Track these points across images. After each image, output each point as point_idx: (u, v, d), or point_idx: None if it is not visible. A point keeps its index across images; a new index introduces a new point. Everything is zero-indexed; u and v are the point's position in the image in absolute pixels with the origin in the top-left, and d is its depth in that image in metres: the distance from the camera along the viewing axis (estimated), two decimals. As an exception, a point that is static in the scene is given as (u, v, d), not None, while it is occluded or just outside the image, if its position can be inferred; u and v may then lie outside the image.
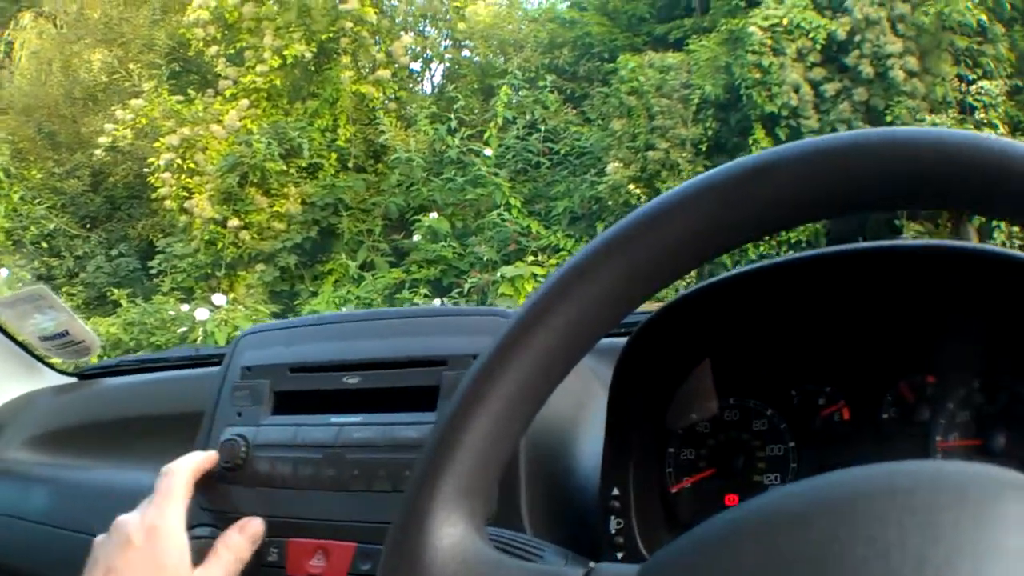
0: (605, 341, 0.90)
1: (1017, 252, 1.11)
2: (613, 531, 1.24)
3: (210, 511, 1.46)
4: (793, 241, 10.88)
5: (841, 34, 11.95)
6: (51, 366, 2.30)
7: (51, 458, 2.05)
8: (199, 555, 1.35)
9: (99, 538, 1.28)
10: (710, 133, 12.35)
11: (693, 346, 1.28)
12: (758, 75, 12.01)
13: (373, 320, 1.62)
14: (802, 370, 1.26)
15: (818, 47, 12.10)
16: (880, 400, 1.21)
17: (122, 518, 1.27)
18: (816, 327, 1.26)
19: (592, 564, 0.73)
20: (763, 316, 1.28)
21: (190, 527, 1.41)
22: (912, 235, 10.99)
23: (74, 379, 2.30)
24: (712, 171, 0.70)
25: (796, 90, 12.00)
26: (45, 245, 15.06)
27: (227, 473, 1.46)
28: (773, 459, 1.25)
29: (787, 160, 0.67)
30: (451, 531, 0.70)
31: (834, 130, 11.37)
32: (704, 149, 12.30)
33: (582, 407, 1.42)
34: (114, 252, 15.05)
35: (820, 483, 0.59)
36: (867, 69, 11.81)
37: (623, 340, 1.26)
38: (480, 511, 0.72)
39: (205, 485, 1.46)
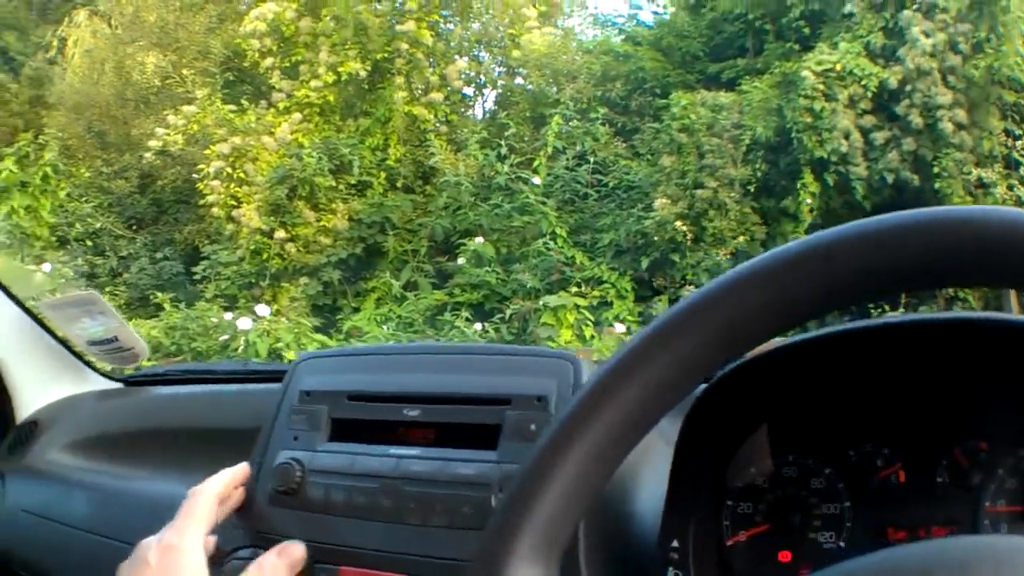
0: None
1: None
2: None
3: (261, 533, 1.47)
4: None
5: (893, 83, 11.94)
6: (97, 370, 2.31)
7: (92, 463, 2.05)
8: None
9: (123, 563, 1.26)
10: (759, 174, 12.29)
11: (756, 406, 1.32)
12: (809, 119, 11.98)
13: (436, 354, 1.62)
14: (861, 431, 1.28)
15: (869, 95, 12.07)
16: (935, 464, 1.24)
17: (144, 540, 1.26)
18: (876, 391, 1.29)
19: None
20: (825, 379, 1.31)
21: (236, 549, 1.45)
22: (960, 306, 10.99)
23: (119, 384, 2.31)
24: (800, 241, 0.73)
25: (847, 136, 11.97)
26: (90, 243, 15.09)
27: (280, 497, 1.47)
28: (829, 517, 1.26)
29: (872, 233, 0.70)
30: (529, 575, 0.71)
31: (882, 178, 11.55)
32: (752, 190, 12.27)
33: (646, 455, 1.43)
34: (158, 255, 15.07)
35: (934, 547, 0.60)
36: (917, 119, 11.80)
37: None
38: (557, 560, 0.74)
39: (255, 508, 1.49)
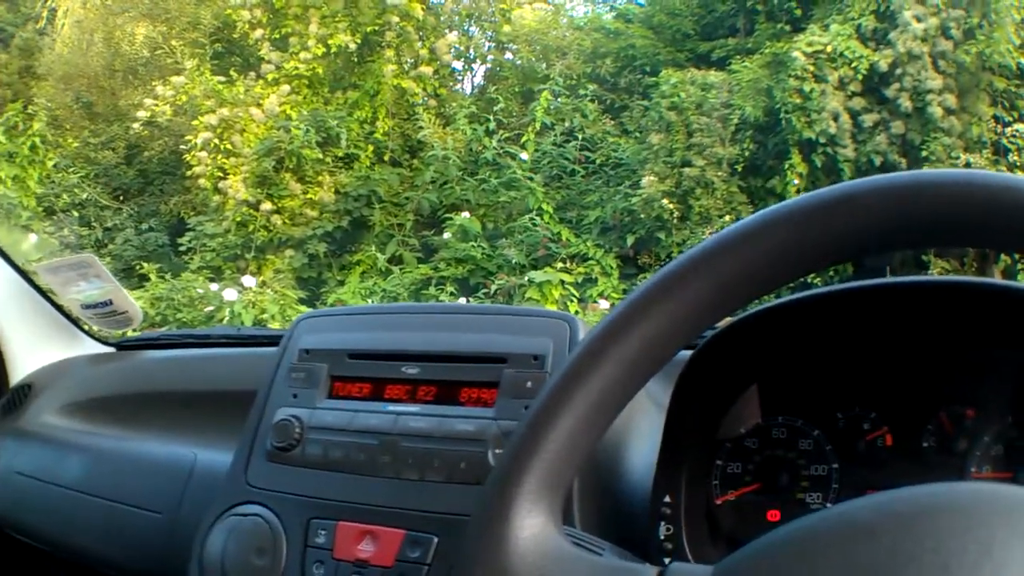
0: None
1: None
2: (663, 536, 1.28)
3: (259, 489, 1.50)
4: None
5: (883, 66, 11.90)
6: (90, 334, 2.33)
7: (86, 426, 2.06)
8: (238, 532, 1.45)
9: None
10: (747, 154, 12.30)
11: (747, 365, 1.34)
12: (799, 100, 11.99)
13: (434, 313, 1.64)
14: (849, 395, 1.30)
15: (860, 77, 12.06)
16: (921, 429, 1.26)
17: None
18: (864, 355, 1.31)
19: (667, 562, 0.80)
20: (816, 341, 1.34)
21: (235, 504, 1.49)
22: (939, 271, 11.03)
23: (112, 349, 2.33)
24: (791, 200, 0.76)
25: (835, 118, 11.96)
26: (76, 214, 15.00)
27: (279, 453, 1.50)
28: (816, 478, 1.29)
29: (865, 192, 0.72)
30: (533, 522, 0.74)
31: (869, 161, 11.55)
32: (740, 169, 12.29)
33: (634, 416, 1.46)
34: (144, 226, 15.02)
35: (887, 499, 0.64)
36: (906, 103, 11.79)
37: (683, 354, 1.26)
38: (559, 507, 0.77)
39: (254, 464, 1.53)
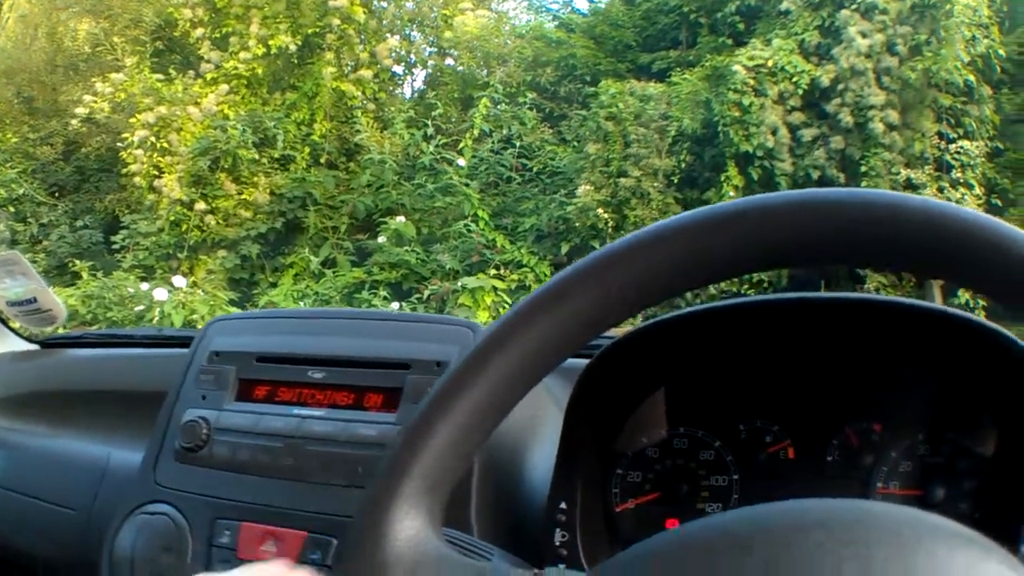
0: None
1: (959, 311, 1.19)
2: (558, 543, 1.30)
3: (167, 488, 1.53)
4: (755, 280, 10.91)
5: (825, 81, 12.01)
6: (14, 331, 2.31)
7: (6, 422, 2.07)
8: (146, 531, 1.48)
9: None
10: (683, 166, 12.38)
11: (649, 375, 1.34)
12: (737, 113, 12.05)
13: (341, 319, 1.68)
14: (752, 407, 1.32)
15: (800, 92, 12.15)
16: (826, 443, 1.27)
17: None
18: (770, 367, 1.32)
19: (539, 570, 0.79)
20: (719, 352, 1.35)
21: (143, 504, 1.52)
22: (875, 285, 11.08)
23: (35, 347, 2.32)
24: (687, 213, 0.74)
25: (774, 132, 12.04)
26: (12, 209, 14.89)
27: (186, 453, 1.53)
28: (716, 489, 1.31)
29: (759, 209, 0.71)
30: (410, 524, 0.74)
31: (807, 175, 11.60)
32: (676, 181, 12.36)
33: (535, 421, 1.50)
34: (79, 223, 14.92)
35: (763, 511, 0.63)
36: (847, 118, 11.87)
37: (581, 361, 1.32)
38: (439, 511, 0.77)
39: (162, 464, 1.56)
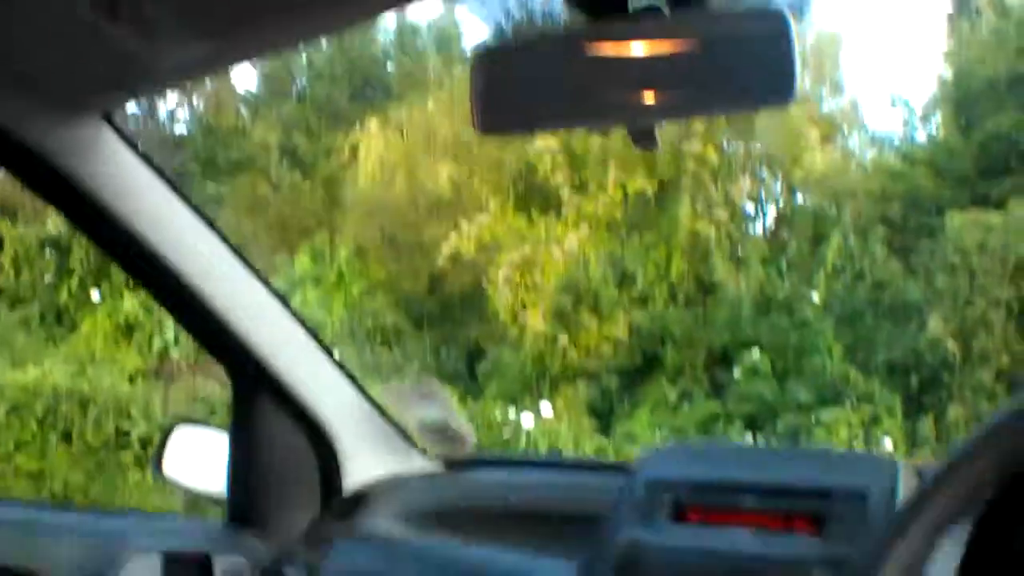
0: None
1: None
2: None
3: None
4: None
5: None
6: (420, 452, 2.40)
7: (418, 535, 2.13)
8: None
9: None
10: (1022, 294, 12.46)
11: None
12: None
13: (762, 451, 1.85)
14: None
15: None
16: None
17: None
18: None
19: None
20: None
21: None
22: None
23: (440, 466, 2.38)
24: None
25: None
26: (378, 338, 15.81)
27: (622, 574, 1.61)
28: None
29: None
30: None
31: None
32: (1017, 310, 12.44)
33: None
34: (442, 353, 15.90)
35: None
36: None
37: None
38: None
39: None
